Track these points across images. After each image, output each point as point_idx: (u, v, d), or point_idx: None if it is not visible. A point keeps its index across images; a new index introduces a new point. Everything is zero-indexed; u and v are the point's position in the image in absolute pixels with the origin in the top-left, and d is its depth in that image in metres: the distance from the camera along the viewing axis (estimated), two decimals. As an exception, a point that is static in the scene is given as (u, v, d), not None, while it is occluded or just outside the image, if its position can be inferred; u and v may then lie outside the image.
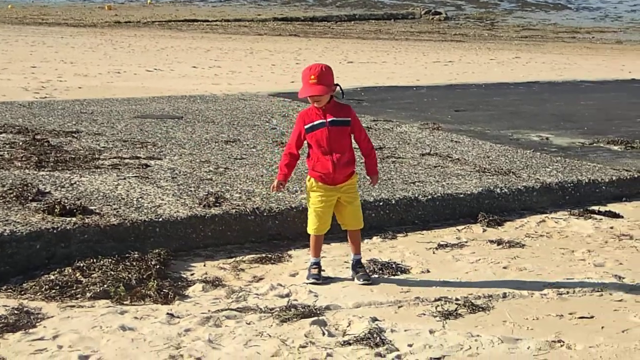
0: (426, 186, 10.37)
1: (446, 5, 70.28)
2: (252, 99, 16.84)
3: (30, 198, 8.99)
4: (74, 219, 8.42)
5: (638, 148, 12.98)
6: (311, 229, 7.98)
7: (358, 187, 8.12)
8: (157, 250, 8.26)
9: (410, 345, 6.59)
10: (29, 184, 9.46)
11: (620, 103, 17.60)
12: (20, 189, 9.22)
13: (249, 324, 6.95)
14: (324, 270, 8.06)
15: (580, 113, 16.06)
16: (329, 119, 7.69)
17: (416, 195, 10.02)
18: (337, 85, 7.78)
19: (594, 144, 13.24)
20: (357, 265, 8.04)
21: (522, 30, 56.17)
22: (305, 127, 7.77)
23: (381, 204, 9.54)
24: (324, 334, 6.76)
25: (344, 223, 8.03)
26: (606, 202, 10.91)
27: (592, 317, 7.24)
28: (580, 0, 75.79)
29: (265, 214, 9.16)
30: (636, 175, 11.52)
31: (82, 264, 7.87)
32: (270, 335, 6.72)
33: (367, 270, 8.10)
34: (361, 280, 7.93)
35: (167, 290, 7.51)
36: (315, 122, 7.72)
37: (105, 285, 7.51)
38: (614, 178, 11.33)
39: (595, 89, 20.00)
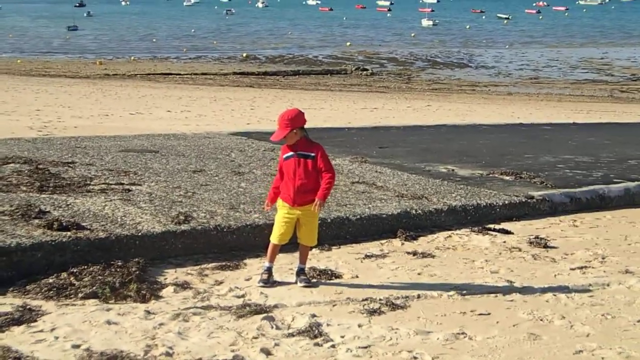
0: (355, 208, 10.37)
1: (372, 63, 70.51)
2: (215, 137, 16.74)
3: (33, 216, 8.89)
4: (68, 233, 8.34)
5: (525, 178, 13.06)
6: (274, 237, 7.99)
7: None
8: (136, 259, 8.18)
9: (342, 337, 6.59)
10: (33, 205, 9.34)
11: (511, 142, 17.72)
12: (25, 209, 9.11)
13: (211, 319, 6.90)
14: (273, 276, 8.03)
15: (479, 150, 16.15)
16: (297, 152, 7.81)
17: (347, 215, 10.01)
18: (300, 128, 7.80)
19: (490, 175, 13.31)
20: (300, 272, 8.05)
21: (433, 83, 56.55)
22: (283, 157, 7.90)
23: (319, 222, 9.50)
24: (272, 327, 6.74)
25: (300, 237, 8.04)
26: (500, 221, 10.96)
27: (489, 313, 7.27)
28: (479, 61, 76.47)
29: (225, 229, 9.11)
30: (523, 200, 11.60)
31: (75, 270, 7.80)
32: (228, 329, 6.69)
33: (308, 276, 8.09)
34: (303, 283, 7.94)
35: (144, 292, 7.46)
36: (289, 154, 7.86)
37: (94, 288, 7.45)
38: (506, 202, 11.40)
39: (491, 131, 20.13)
